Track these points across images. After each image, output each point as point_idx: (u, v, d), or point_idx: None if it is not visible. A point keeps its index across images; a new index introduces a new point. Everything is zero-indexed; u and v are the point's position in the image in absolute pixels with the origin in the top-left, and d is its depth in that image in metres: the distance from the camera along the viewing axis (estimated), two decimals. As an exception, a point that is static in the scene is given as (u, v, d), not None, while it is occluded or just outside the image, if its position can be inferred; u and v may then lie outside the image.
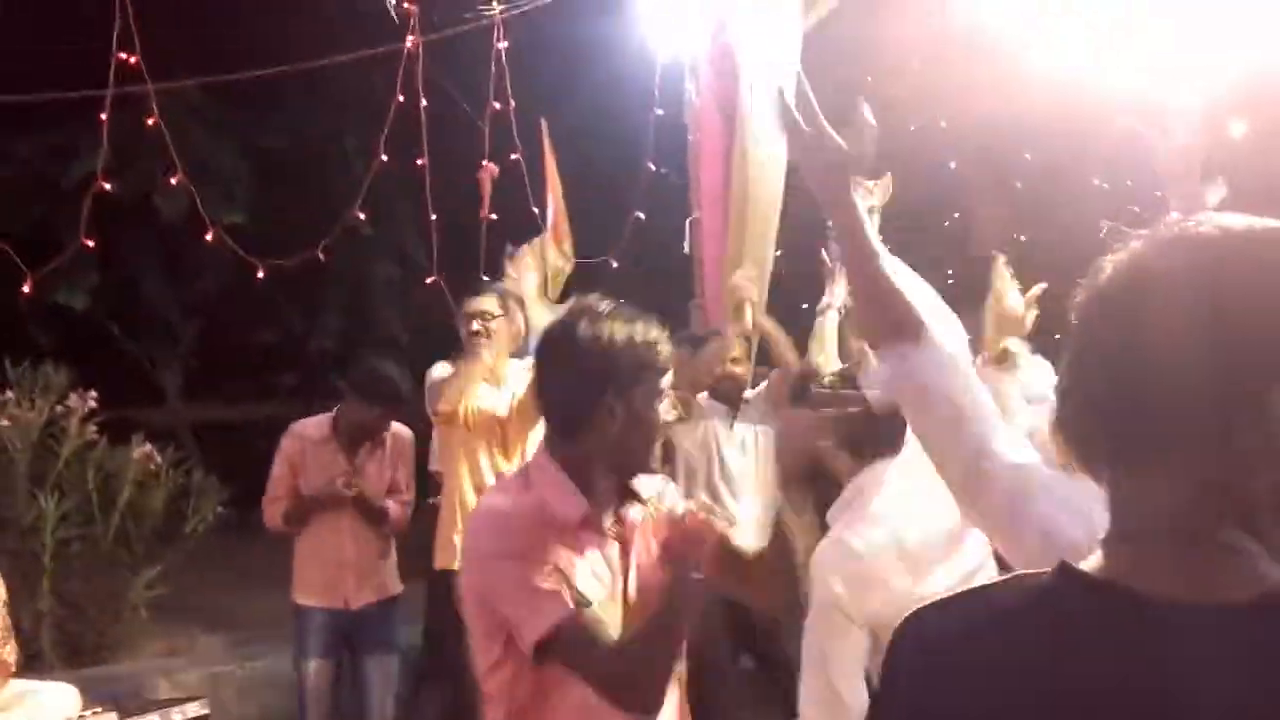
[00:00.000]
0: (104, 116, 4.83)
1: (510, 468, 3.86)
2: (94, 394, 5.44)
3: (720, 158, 4.89)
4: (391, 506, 4.30)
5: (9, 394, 5.28)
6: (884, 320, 1.59)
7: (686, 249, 5.05)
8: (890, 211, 3.06)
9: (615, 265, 5.21)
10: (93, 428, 5.48)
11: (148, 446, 5.60)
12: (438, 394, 3.92)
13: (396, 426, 4.43)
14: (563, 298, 4.92)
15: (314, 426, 4.39)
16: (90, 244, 4.95)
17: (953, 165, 8.69)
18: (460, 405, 3.86)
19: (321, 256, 5.55)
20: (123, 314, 10.18)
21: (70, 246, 4.83)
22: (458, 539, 3.83)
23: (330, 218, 5.78)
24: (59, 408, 5.44)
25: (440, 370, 4.04)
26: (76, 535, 5.43)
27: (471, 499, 3.87)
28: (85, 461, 5.45)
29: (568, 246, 5.74)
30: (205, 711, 3.77)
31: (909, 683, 0.97)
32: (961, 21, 4.66)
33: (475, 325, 3.89)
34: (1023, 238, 7.71)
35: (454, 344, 3.97)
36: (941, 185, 8.34)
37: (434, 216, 4.95)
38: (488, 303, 3.94)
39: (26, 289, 4.88)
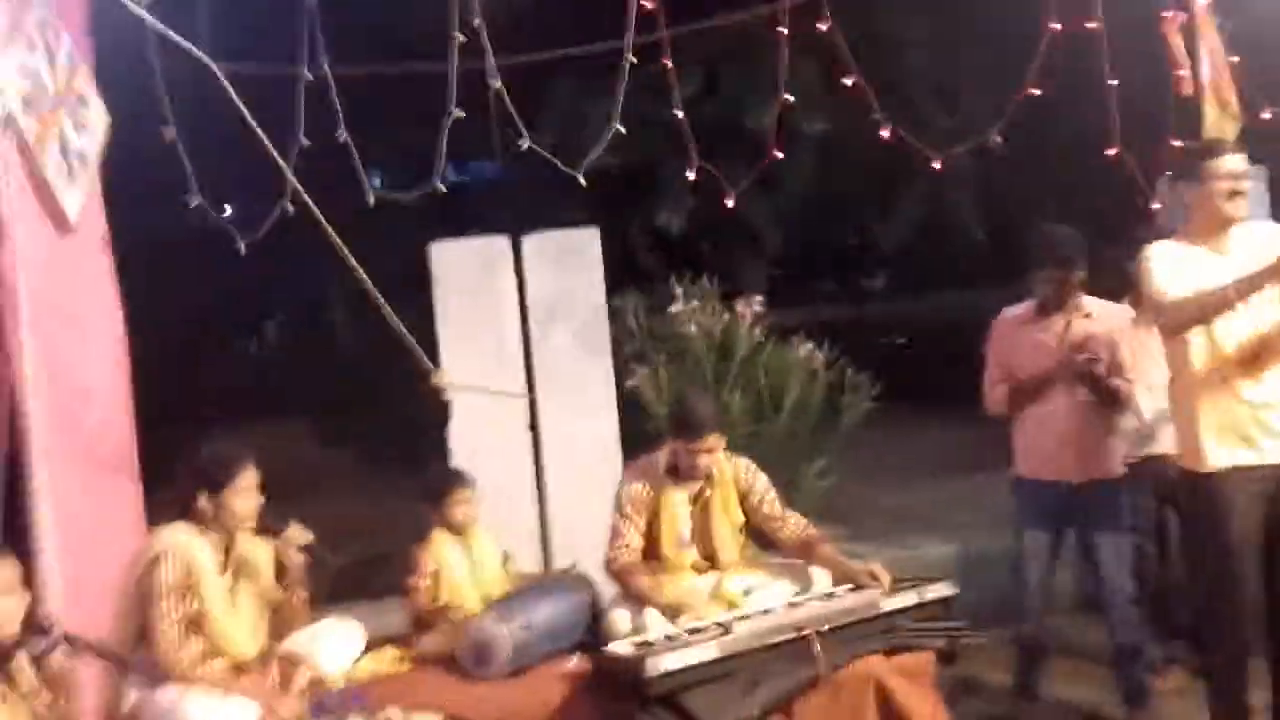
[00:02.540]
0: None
1: None
2: (760, 299, 5.83)
3: None
4: (1120, 385, 4.22)
5: (694, 303, 5.81)
6: None
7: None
8: None
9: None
10: (758, 332, 5.90)
11: (810, 346, 5.93)
12: None
13: (1110, 307, 4.37)
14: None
15: (1019, 310, 4.49)
16: (691, 175, 5.06)
17: None
18: None
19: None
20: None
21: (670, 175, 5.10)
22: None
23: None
24: (727, 316, 5.91)
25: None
26: (752, 431, 5.88)
27: None
28: (755, 362, 5.87)
29: (1234, 106, 5.19)
30: (954, 590, 3.93)
31: None
32: None
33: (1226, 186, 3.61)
34: None
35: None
36: None
37: (1113, 83, 4.58)
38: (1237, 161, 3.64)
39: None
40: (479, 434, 5.47)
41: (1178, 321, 3.63)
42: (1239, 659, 3.82)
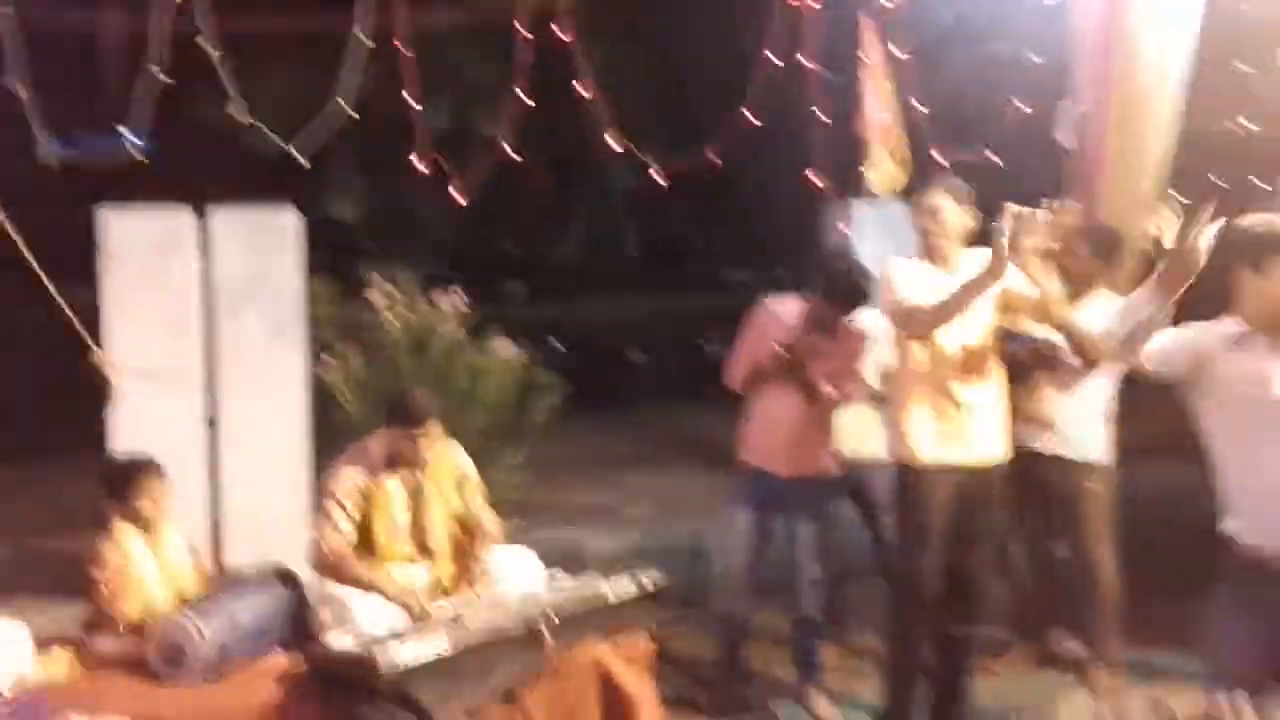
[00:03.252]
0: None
1: None
2: (462, 293, 5.76)
3: (1101, 45, 4.87)
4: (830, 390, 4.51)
5: (392, 293, 5.63)
6: None
7: (1058, 136, 5.04)
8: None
9: (993, 159, 5.21)
10: (456, 327, 5.83)
11: (508, 343, 5.93)
12: None
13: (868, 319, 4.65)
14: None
15: (783, 304, 4.65)
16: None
17: None
18: None
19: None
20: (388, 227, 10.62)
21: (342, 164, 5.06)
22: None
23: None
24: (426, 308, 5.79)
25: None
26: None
27: None
28: (455, 357, 5.80)
29: (902, 153, 5.77)
30: (666, 579, 4.07)
31: None
32: None
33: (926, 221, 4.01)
34: None
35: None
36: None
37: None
38: (940, 198, 4.04)
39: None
40: (144, 421, 5.04)
41: (920, 328, 3.99)
42: (917, 636, 4.23)
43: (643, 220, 10.42)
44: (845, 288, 4.43)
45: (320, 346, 5.92)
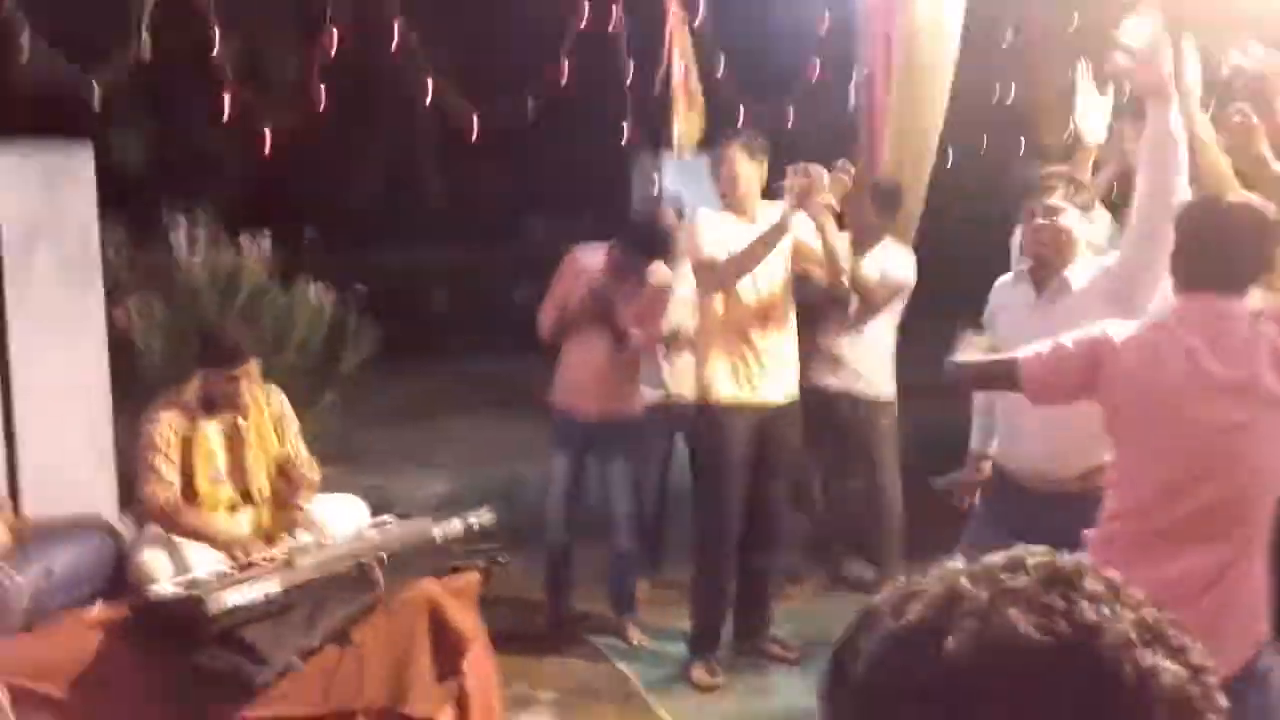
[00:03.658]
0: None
1: None
2: (268, 235, 5.65)
3: (884, 18, 5.20)
4: (634, 332, 4.70)
5: (198, 234, 5.47)
6: None
7: (852, 103, 5.37)
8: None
9: (790, 123, 5.48)
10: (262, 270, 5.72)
11: (318, 286, 5.86)
12: None
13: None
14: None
15: (592, 253, 4.80)
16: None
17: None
18: None
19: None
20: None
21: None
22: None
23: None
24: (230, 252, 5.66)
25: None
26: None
27: None
28: (262, 301, 5.69)
29: (699, 105, 6.01)
30: (494, 516, 4.20)
31: None
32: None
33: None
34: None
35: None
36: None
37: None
38: (736, 152, 4.29)
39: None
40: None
41: (721, 280, 4.23)
42: (721, 566, 4.53)
43: (450, 168, 10.32)
44: (649, 237, 4.64)
45: (117, 290, 5.69)
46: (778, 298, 4.37)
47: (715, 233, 4.29)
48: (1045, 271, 3.26)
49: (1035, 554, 0.77)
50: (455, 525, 4.04)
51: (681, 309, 4.89)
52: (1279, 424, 2.46)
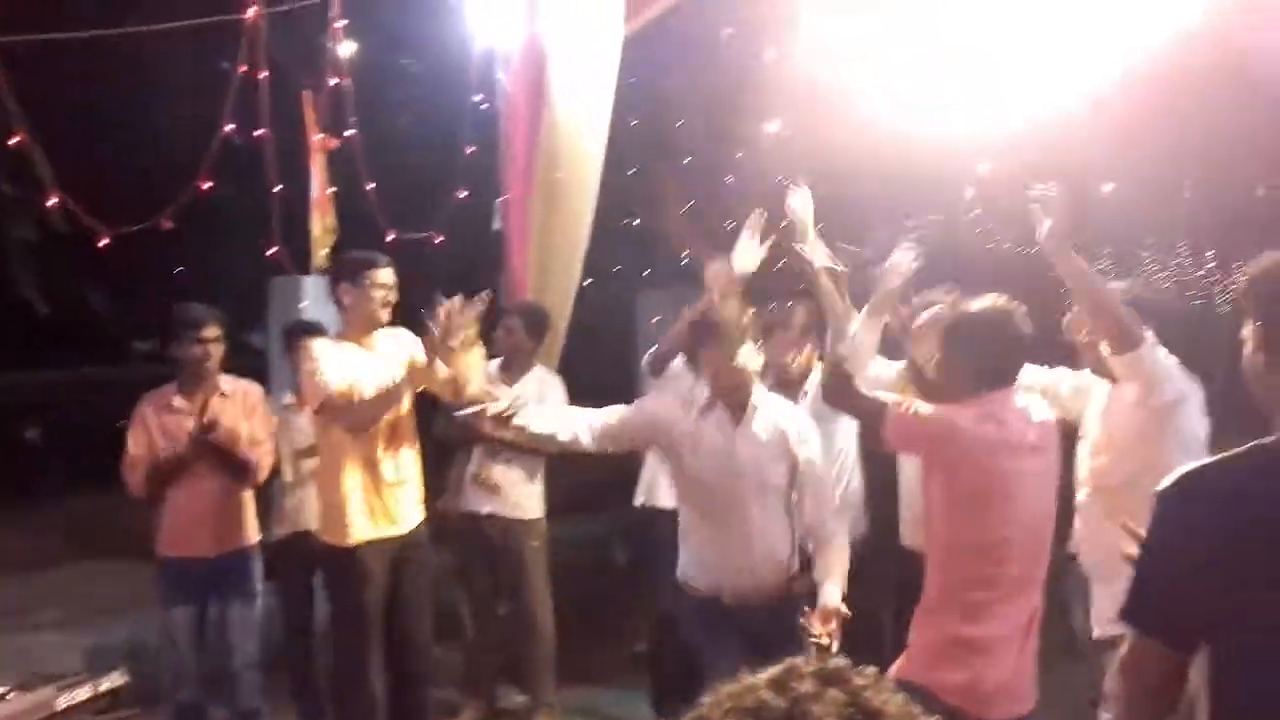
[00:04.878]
0: None
1: None
2: None
3: (526, 143, 5.33)
4: (248, 457, 4.42)
5: None
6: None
7: (496, 226, 5.45)
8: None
9: (438, 241, 5.46)
10: None
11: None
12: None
13: (243, 383, 4.56)
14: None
15: (161, 392, 4.48)
16: None
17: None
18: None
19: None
20: None
21: None
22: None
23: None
24: None
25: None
26: None
27: None
28: None
29: (330, 219, 5.93)
30: (126, 678, 3.75)
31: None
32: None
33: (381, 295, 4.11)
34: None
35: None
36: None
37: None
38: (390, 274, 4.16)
39: None
40: None
41: (361, 418, 3.97)
42: (369, 709, 4.20)
43: (49, 281, 9.18)
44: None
45: None
46: (404, 421, 4.15)
47: (338, 362, 4.02)
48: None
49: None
50: (84, 690, 3.56)
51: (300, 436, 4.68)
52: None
